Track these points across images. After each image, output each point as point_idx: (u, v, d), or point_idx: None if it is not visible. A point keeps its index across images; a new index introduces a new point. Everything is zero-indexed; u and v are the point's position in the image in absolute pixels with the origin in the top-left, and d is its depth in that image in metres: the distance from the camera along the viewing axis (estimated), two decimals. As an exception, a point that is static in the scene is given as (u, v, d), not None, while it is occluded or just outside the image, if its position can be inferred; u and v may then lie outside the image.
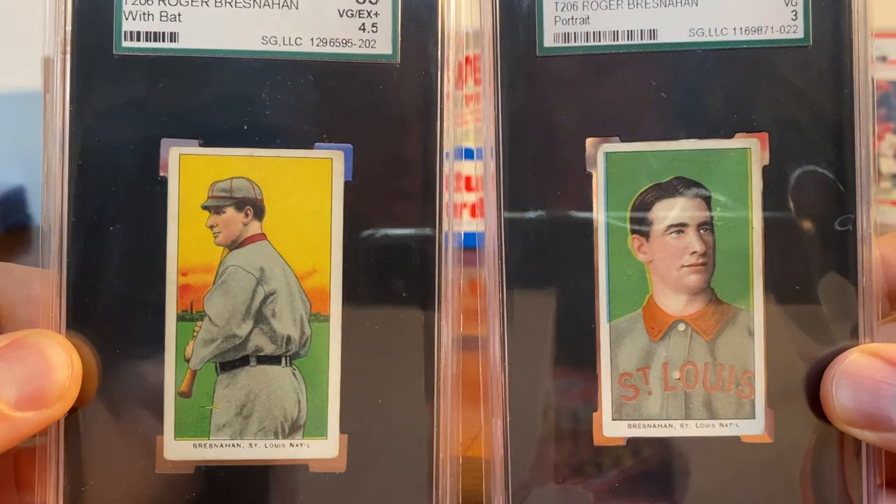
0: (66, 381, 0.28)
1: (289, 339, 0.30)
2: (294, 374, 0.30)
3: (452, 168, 0.31)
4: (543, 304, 0.30)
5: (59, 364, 0.28)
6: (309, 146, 0.30)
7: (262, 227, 0.30)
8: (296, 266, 0.30)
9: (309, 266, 0.30)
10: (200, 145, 0.30)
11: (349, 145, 0.30)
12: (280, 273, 0.30)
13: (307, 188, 0.30)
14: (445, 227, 0.31)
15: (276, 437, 0.30)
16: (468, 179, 0.85)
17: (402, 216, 0.30)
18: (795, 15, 0.30)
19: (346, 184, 0.30)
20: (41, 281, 0.29)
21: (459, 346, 0.31)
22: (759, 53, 0.30)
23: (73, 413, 0.29)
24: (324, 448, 0.30)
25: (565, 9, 0.30)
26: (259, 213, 0.30)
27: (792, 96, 0.30)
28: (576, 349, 0.30)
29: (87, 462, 0.29)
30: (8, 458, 0.33)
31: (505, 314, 0.30)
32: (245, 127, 0.30)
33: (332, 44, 0.30)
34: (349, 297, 0.30)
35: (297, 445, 0.30)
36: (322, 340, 0.30)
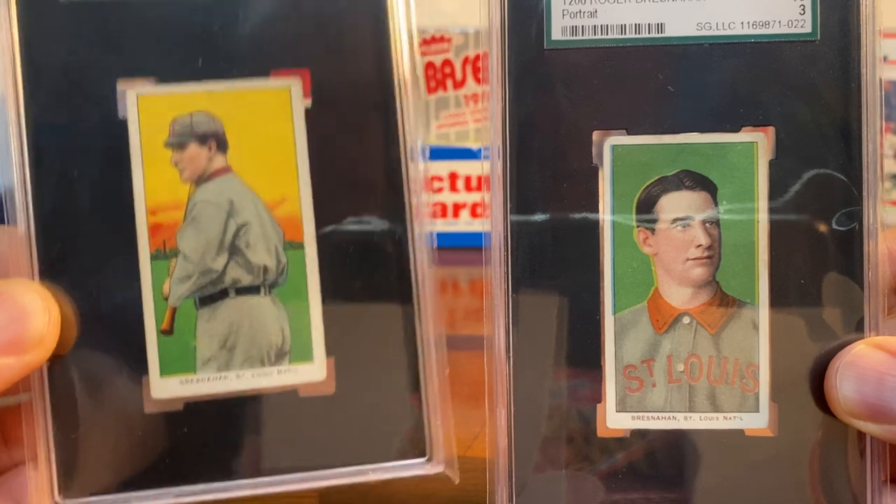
0: (43, 328, 0.28)
1: (265, 268, 0.30)
2: (274, 302, 0.30)
3: (416, 60, 0.31)
4: (548, 296, 0.30)
5: (35, 310, 0.28)
6: (265, 75, 0.30)
7: (227, 160, 0.30)
8: (265, 196, 0.30)
9: (278, 195, 0.30)
10: (157, 83, 0.30)
11: (306, 71, 0.30)
12: (250, 204, 0.30)
13: (268, 118, 0.30)
14: (409, 141, 0.30)
15: (263, 366, 0.30)
16: (468, 179, 0.86)
17: (364, 137, 0.30)
18: (803, 9, 0.30)
19: (307, 111, 0.30)
20: (8, 236, 0.29)
21: (434, 259, 0.31)
22: (766, 47, 0.30)
23: (55, 362, 0.29)
24: (311, 372, 0.31)
25: (573, 2, 0.30)
26: (222, 145, 0.30)
27: (799, 91, 0.30)
28: (580, 341, 0.30)
29: (75, 410, 0.29)
30: None
31: (510, 306, 0.30)
32: (200, 61, 0.30)
33: None
34: (321, 222, 0.30)
35: (284, 372, 0.30)
36: (299, 267, 0.30)
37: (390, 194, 0.31)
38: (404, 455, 0.31)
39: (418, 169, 0.31)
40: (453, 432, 0.31)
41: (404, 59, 0.31)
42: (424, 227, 0.31)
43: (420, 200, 0.31)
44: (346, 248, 0.30)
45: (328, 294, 0.31)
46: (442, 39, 0.87)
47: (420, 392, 0.31)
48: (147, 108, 0.30)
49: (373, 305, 0.31)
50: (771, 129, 0.30)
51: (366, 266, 0.31)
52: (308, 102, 0.30)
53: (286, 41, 0.30)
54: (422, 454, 0.31)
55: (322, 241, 0.30)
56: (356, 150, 0.31)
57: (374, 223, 0.30)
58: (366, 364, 0.31)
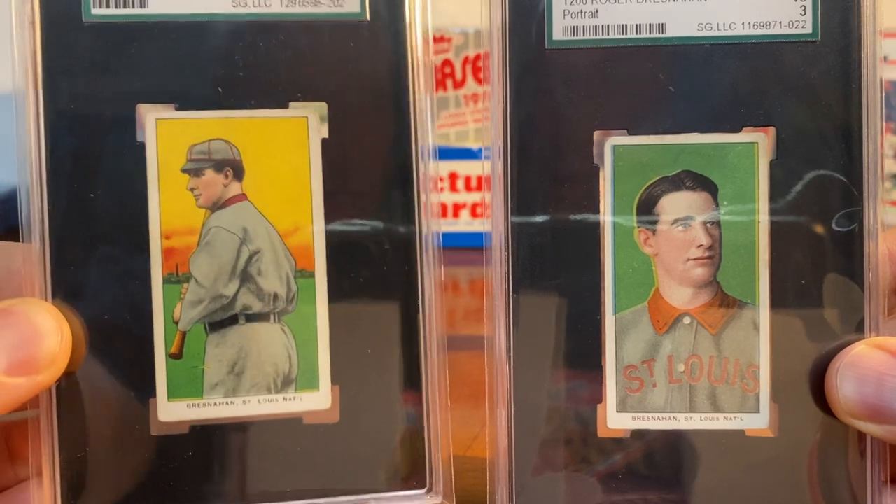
0: (55, 348, 0.28)
1: (276, 296, 0.31)
2: (283, 329, 0.31)
3: (429, 112, 0.31)
4: (549, 296, 0.30)
5: (49, 331, 0.28)
6: (284, 105, 0.30)
7: (243, 188, 0.30)
8: (278, 224, 0.31)
9: (291, 224, 0.31)
10: (176, 109, 0.30)
11: (324, 103, 0.30)
12: (263, 232, 0.31)
13: (285, 147, 0.30)
14: (424, 173, 0.31)
15: (269, 392, 0.31)
16: (468, 179, 0.86)
17: (379, 170, 0.31)
18: (804, 10, 0.30)
19: (323, 141, 0.31)
20: (23, 254, 0.29)
21: (442, 291, 0.31)
22: (767, 48, 0.30)
23: (63, 380, 0.29)
24: (316, 400, 0.31)
25: (574, 2, 0.30)
26: (238, 173, 0.30)
27: (800, 91, 0.30)
28: (581, 341, 0.30)
29: (82, 428, 0.29)
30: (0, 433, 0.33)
31: (511, 306, 0.30)
32: (220, 89, 0.30)
33: (301, 4, 0.30)
34: (332, 252, 0.31)
35: (289, 399, 0.31)
36: (309, 296, 0.31)
37: (404, 226, 0.31)
38: (405, 485, 0.31)
39: (431, 202, 0.31)
40: (452, 463, 0.31)
41: (422, 91, 0.31)
42: (436, 263, 0.31)
43: (430, 232, 0.31)
44: (357, 279, 0.31)
45: (336, 323, 0.31)
46: (442, 39, 0.87)
47: (423, 422, 0.31)
48: (165, 133, 0.30)
49: (380, 335, 0.31)
50: (772, 130, 0.30)
51: (375, 297, 0.31)
52: (325, 132, 0.30)
53: (305, 72, 0.30)
54: (422, 485, 0.31)
55: (332, 270, 0.31)
56: (371, 181, 0.31)
57: (387, 255, 0.31)
58: (371, 394, 0.31)
